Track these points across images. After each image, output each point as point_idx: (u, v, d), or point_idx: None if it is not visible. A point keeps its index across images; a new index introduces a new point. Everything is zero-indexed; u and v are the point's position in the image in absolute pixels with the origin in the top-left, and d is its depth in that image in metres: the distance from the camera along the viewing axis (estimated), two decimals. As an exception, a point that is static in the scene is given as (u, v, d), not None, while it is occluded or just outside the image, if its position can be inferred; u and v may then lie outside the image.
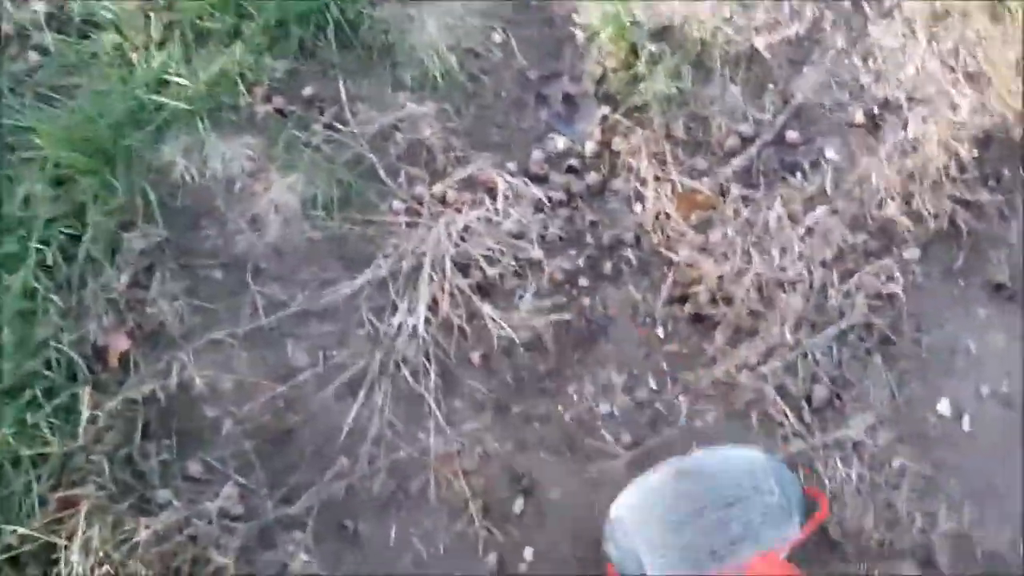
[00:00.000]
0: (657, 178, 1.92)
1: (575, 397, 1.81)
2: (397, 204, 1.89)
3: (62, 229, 1.82)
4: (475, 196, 1.91)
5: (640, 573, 1.55)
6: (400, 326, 1.82)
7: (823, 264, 1.85)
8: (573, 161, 1.96)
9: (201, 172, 1.90)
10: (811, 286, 1.84)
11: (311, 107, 1.96)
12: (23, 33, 2.03)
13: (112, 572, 1.56)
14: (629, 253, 1.90)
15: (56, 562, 1.59)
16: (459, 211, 1.90)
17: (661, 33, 1.97)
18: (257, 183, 1.89)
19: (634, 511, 1.62)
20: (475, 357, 1.82)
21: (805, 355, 1.79)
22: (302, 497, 1.72)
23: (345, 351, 1.81)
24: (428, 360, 1.80)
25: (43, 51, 2.00)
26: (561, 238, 1.91)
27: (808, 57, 2.01)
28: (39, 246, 1.79)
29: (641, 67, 1.93)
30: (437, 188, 1.92)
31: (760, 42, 1.97)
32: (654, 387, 1.82)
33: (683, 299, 1.86)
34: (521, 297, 1.85)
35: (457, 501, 1.76)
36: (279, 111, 1.93)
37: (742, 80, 1.98)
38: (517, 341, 1.81)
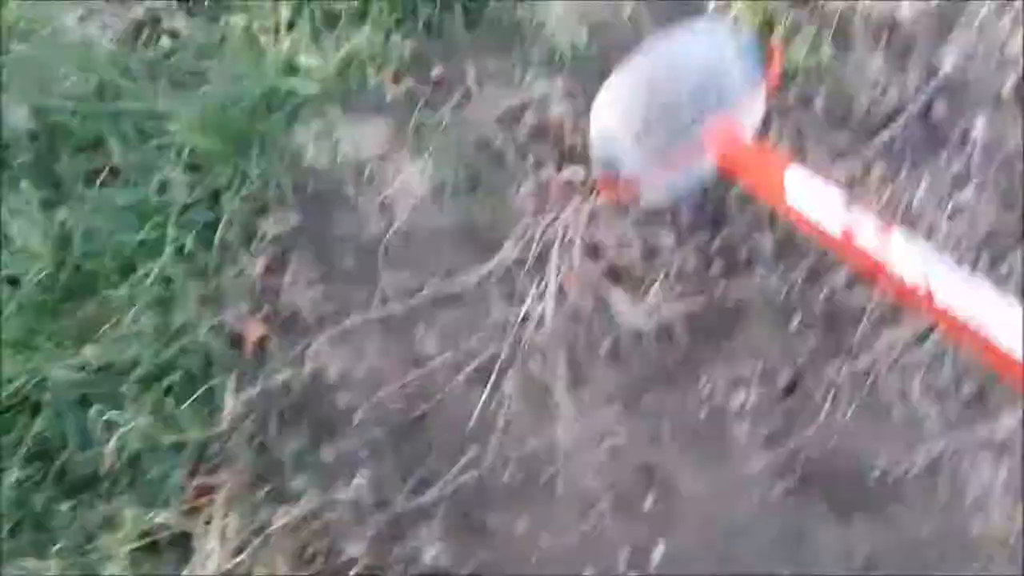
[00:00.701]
0: (795, 150, 1.76)
1: (707, 390, 1.71)
2: (525, 188, 1.78)
3: (198, 215, 1.74)
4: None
5: (614, 159, 1.56)
6: (528, 314, 1.70)
7: (974, 246, 1.67)
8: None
9: (332, 157, 1.84)
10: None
11: (439, 88, 1.88)
12: (155, 18, 1.95)
13: (247, 560, 1.49)
14: (765, 237, 1.73)
15: (193, 550, 1.53)
16: (589, 194, 1.76)
17: (800, 2, 1.79)
18: (387, 167, 1.81)
19: (609, 105, 1.60)
20: (604, 347, 1.72)
21: (954, 345, 1.62)
22: (432, 487, 1.66)
23: (474, 338, 1.74)
24: (557, 348, 1.67)
25: (173, 35, 1.93)
26: (694, 223, 1.74)
27: (953, 25, 1.81)
28: (175, 233, 1.70)
29: (781, 33, 1.76)
30: (566, 171, 1.78)
31: (904, 10, 1.78)
32: (791, 380, 1.67)
33: (821, 286, 1.69)
34: (652, 284, 1.70)
35: (587, 495, 1.68)
36: (408, 93, 1.83)
37: (884, 51, 1.81)
38: (647, 330, 1.68)
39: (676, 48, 1.61)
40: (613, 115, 1.60)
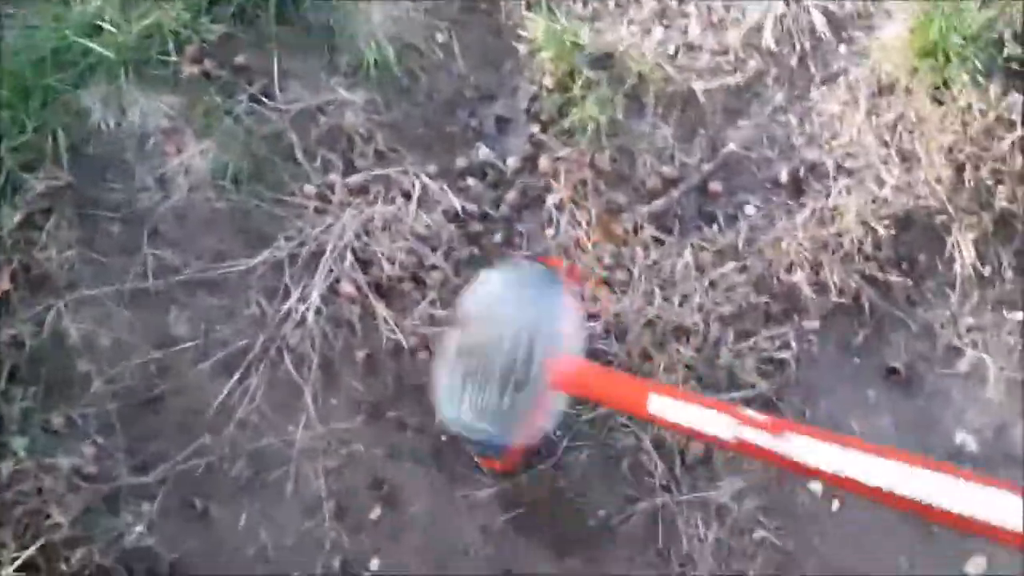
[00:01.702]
0: (575, 204, 1.91)
1: (452, 413, 1.80)
2: (308, 187, 1.89)
3: (-36, 158, 1.77)
4: (389, 192, 1.90)
5: (498, 442, 1.65)
6: (290, 312, 1.81)
7: (721, 319, 1.85)
8: (494, 175, 1.94)
9: (117, 123, 1.89)
10: (705, 339, 1.84)
11: (239, 76, 1.94)
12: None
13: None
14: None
15: None
16: (370, 205, 1.88)
17: (601, 60, 1.96)
18: (171, 143, 1.89)
19: (450, 400, 1.68)
20: (360, 356, 1.81)
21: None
22: (157, 468, 1.72)
23: (228, 328, 1.81)
24: (313, 351, 1.78)
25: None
26: (470, 253, 1.87)
27: (745, 109, 2.00)
28: (-64, 171, 1.75)
29: (576, 91, 1.92)
30: (352, 178, 1.90)
31: (699, 86, 1.97)
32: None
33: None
34: (417, 304, 1.83)
35: (313, 499, 1.77)
36: (206, 74, 1.91)
37: (675, 121, 1.98)
38: (405, 347, 1.80)
39: (491, 321, 1.70)
40: (464, 411, 1.67)
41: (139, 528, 1.65)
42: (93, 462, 1.71)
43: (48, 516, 1.64)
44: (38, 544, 1.59)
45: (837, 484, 1.12)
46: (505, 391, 1.62)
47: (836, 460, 1.12)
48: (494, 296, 1.72)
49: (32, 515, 1.64)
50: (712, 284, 1.85)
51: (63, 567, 1.60)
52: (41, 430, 1.71)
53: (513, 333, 1.63)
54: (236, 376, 1.78)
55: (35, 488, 1.66)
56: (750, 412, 1.22)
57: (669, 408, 1.34)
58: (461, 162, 1.94)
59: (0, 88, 1.81)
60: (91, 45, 1.87)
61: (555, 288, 1.68)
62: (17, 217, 1.76)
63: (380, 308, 1.81)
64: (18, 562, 1.55)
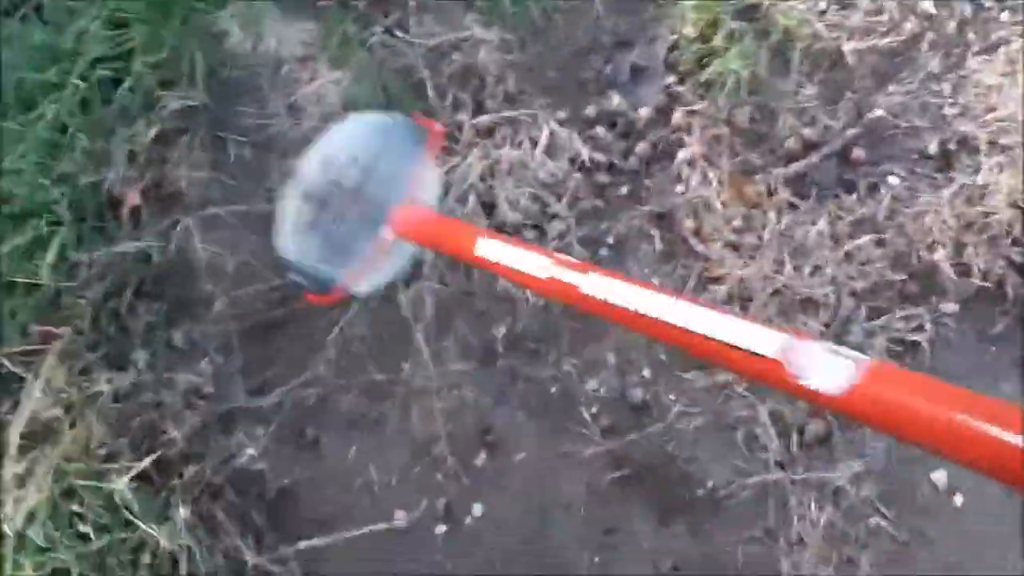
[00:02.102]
0: (708, 161, 1.86)
1: (565, 366, 1.79)
2: (438, 126, 1.87)
3: (105, 71, 1.82)
4: (516, 136, 1.88)
5: (324, 280, 1.60)
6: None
7: (853, 294, 1.79)
8: (625, 125, 1.90)
9: (254, 47, 1.90)
10: (836, 314, 1.78)
11: (376, 7, 1.94)
12: None
13: (62, 415, 1.59)
14: (658, 234, 1.85)
15: (19, 392, 1.62)
16: (497, 147, 1.86)
17: (747, 11, 1.89)
18: (304, 71, 1.89)
19: (285, 230, 1.64)
20: (477, 301, 1.80)
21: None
22: (273, 393, 1.74)
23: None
24: (429, 292, 1.78)
25: None
26: (594, 205, 1.85)
27: (896, 74, 1.92)
28: (79, 81, 1.80)
29: (718, 42, 1.87)
30: (481, 119, 1.89)
31: (849, 46, 1.89)
32: (647, 377, 1.79)
33: (701, 292, 1.81)
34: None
35: (421, 439, 1.77)
36: (343, 3, 1.91)
37: (820, 81, 1.90)
38: (521, 295, 1.79)
39: (335, 155, 1.67)
40: (298, 240, 1.65)
41: (251, 451, 1.68)
42: (211, 381, 1.73)
43: (164, 431, 1.66)
44: (153, 457, 1.61)
45: (626, 321, 1.09)
46: (345, 229, 1.60)
47: (628, 295, 1.10)
48: (355, 136, 1.68)
49: (149, 428, 1.68)
50: (847, 256, 1.78)
51: (175, 481, 1.62)
52: (163, 345, 1.74)
53: (365, 174, 1.60)
54: (354, 307, 1.74)
55: (154, 402, 1.69)
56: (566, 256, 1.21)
57: (493, 250, 1.32)
58: (591, 110, 1.90)
59: (142, 3, 1.79)
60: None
61: (418, 142, 1.63)
62: (152, 133, 1.78)
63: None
64: (133, 472, 1.58)
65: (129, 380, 1.66)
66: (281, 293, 1.78)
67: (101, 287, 1.70)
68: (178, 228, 1.78)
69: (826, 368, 0.91)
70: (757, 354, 0.96)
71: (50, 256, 1.68)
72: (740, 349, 0.97)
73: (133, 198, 1.76)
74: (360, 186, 1.60)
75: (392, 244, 1.56)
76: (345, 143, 1.68)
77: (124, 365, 1.71)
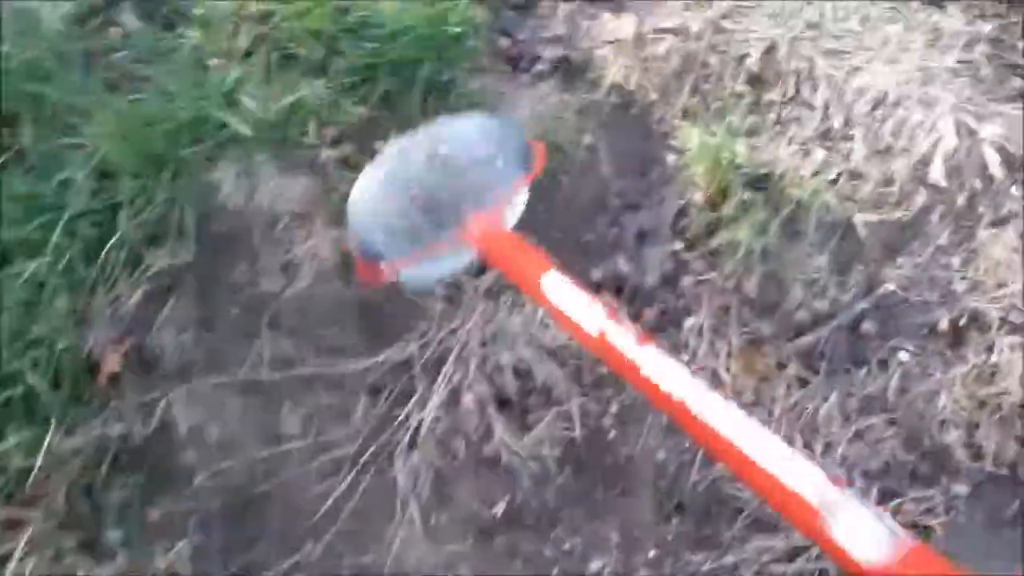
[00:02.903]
0: (715, 331, 1.84)
1: (567, 544, 1.74)
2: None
3: (90, 228, 1.76)
4: (519, 299, 1.83)
5: (374, 252, 1.62)
6: (408, 417, 1.76)
7: (865, 474, 1.76)
8: (631, 290, 1.88)
9: (247, 202, 1.85)
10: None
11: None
12: (112, 3, 1.99)
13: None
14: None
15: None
16: (499, 310, 1.83)
17: (758, 180, 1.89)
18: (300, 228, 1.84)
19: (363, 190, 1.70)
20: (476, 472, 1.74)
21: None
22: (255, 576, 1.65)
23: (341, 429, 1.77)
24: (425, 462, 1.73)
25: (124, 33, 1.96)
26: (598, 371, 1.81)
27: (906, 246, 1.92)
28: (60, 239, 1.73)
29: (728, 211, 1.86)
30: (483, 279, 1.85)
31: (860, 218, 1.89)
32: (653, 557, 1.74)
33: (707, 473, 1.77)
34: (539, 422, 1.76)
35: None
36: (344, 160, 1.87)
37: (831, 252, 1.90)
38: (523, 468, 1.74)
39: (436, 142, 1.71)
40: (370, 207, 1.69)
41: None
42: (189, 563, 1.62)
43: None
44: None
45: (669, 408, 1.11)
46: (417, 218, 1.62)
47: (686, 389, 1.10)
48: (465, 131, 1.74)
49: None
50: (858, 434, 1.75)
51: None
52: (138, 523, 1.63)
53: (459, 169, 1.65)
54: (344, 481, 1.71)
55: (128, 586, 1.58)
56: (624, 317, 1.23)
57: (556, 286, 1.35)
58: (597, 273, 1.89)
59: (133, 156, 1.74)
60: (229, 119, 1.80)
61: (521, 160, 1.67)
62: (137, 296, 1.71)
63: (499, 423, 1.72)
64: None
65: (111, 570, 1.54)
66: (264, 464, 1.68)
67: (76, 464, 1.60)
68: (160, 404, 1.66)
69: (866, 533, 0.89)
70: (800, 497, 0.93)
71: (20, 435, 1.57)
72: (782, 485, 0.95)
73: (113, 364, 1.71)
74: (451, 178, 1.64)
75: (457, 246, 1.56)
76: (455, 133, 1.73)
77: (98, 550, 1.59)
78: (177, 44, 1.95)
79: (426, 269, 1.62)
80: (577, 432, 1.79)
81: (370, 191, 1.70)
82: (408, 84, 1.94)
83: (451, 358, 1.80)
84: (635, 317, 1.88)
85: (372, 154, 1.88)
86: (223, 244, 1.84)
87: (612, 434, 1.83)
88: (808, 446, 1.78)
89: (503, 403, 1.80)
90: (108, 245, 1.77)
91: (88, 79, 1.89)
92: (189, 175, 1.84)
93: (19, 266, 1.73)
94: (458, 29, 1.93)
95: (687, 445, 1.78)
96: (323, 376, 1.79)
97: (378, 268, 1.61)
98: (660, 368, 1.14)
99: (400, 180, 1.67)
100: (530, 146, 1.68)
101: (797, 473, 0.95)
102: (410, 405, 1.77)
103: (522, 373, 1.81)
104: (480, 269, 1.83)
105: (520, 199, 1.62)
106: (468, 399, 1.78)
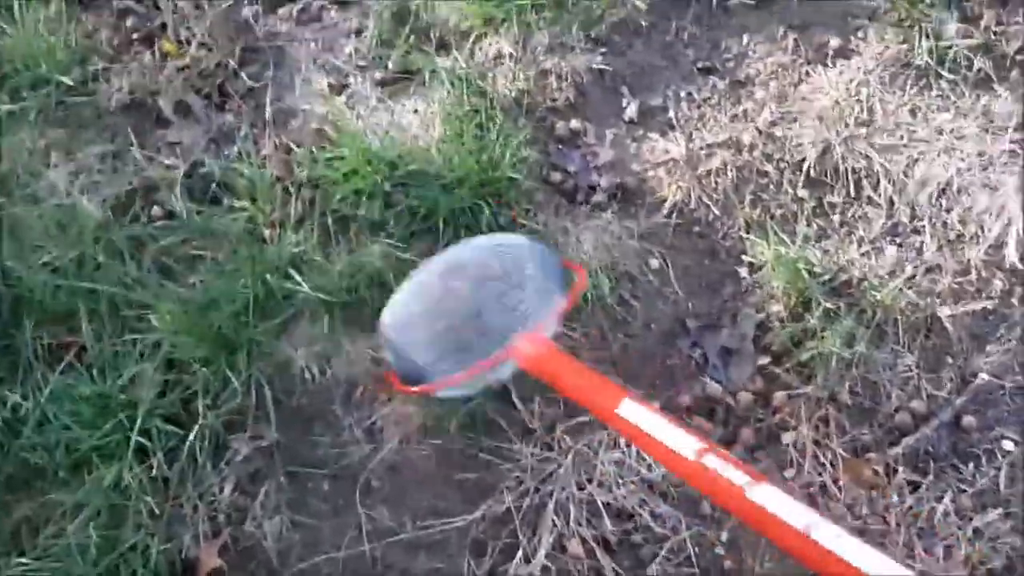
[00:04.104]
0: (817, 444, 1.85)
1: None
2: (526, 434, 1.85)
3: (166, 420, 1.76)
4: (612, 434, 1.85)
5: (416, 371, 1.64)
6: (515, 573, 1.74)
7: (990, 573, 1.76)
8: (723, 411, 1.90)
9: (322, 371, 1.87)
10: (977, 599, 1.76)
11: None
12: (151, 187, 2.02)
13: None
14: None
15: None
16: (593, 449, 1.84)
17: (838, 288, 1.93)
18: (381, 391, 1.85)
19: (402, 309, 1.73)
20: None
21: None
22: None
23: (451, 595, 1.75)
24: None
25: (169, 214, 1.98)
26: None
27: (992, 333, 1.96)
28: (139, 438, 1.73)
29: (813, 322, 1.89)
30: (573, 421, 1.86)
31: (944, 312, 1.93)
32: None
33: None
34: (653, 558, 1.76)
35: None
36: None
37: (919, 349, 1.94)
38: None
39: (472, 261, 1.78)
40: (408, 327, 1.72)
41: None
42: None
43: None
44: None
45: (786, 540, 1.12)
46: (457, 333, 1.66)
47: (792, 510, 1.13)
48: (503, 248, 1.78)
49: None
50: (977, 532, 1.76)
51: None
52: None
53: (501, 289, 1.68)
54: None
55: None
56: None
57: (639, 415, 1.36)
58: (685, 398, 1.91)
59: (201, 343, 1.75)
60: (295, 286, 1.84)
61: (562, 282, 1.72)
62: (228, 488, 1.71)
63: (608, 566, 1.71)
64: None
65: None
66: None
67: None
68: None
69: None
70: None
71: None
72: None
73: (211, 560, 1.68)
74: (491, 298, 1.66)
75: (500, 364, 1.60)
76: (490, 252, 1.77)
77: None
78: (227, 219, 1.95)
79: (465, 387, 1.69)
80: (695, 566, 1.75)
81: (408, 310, 1.74)
82: (469, 231, 1.95)
83: (550, 505, 1.78)
84: (732, 438, 1.90)
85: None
86: (304, 418, 1.87)
87: (727, 563, 1.79)
88: (929, 551, 1.78)
89: (609, 544, 1.77)
90: (189, 439, 1.74)
91: (140, 267, 1.88)
92: (261, 353, 1.85)
93: (99, 473, 1.71)
94: (512, 173, 1.95)
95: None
96: (424, 540, 1.79)
97: (415, 386, 1.65)
98: (765, 493, 1.16)
99: (439, 299, 1.72)
100: (567, 267, 1.75)
101: None
102: (517, 559, 1.75)
103: (625, 512, 1.78)
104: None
105: (555, 318, 1.68)
106: (574, 545, 1.76)
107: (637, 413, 1.40)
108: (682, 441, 1.33)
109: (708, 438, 1.26)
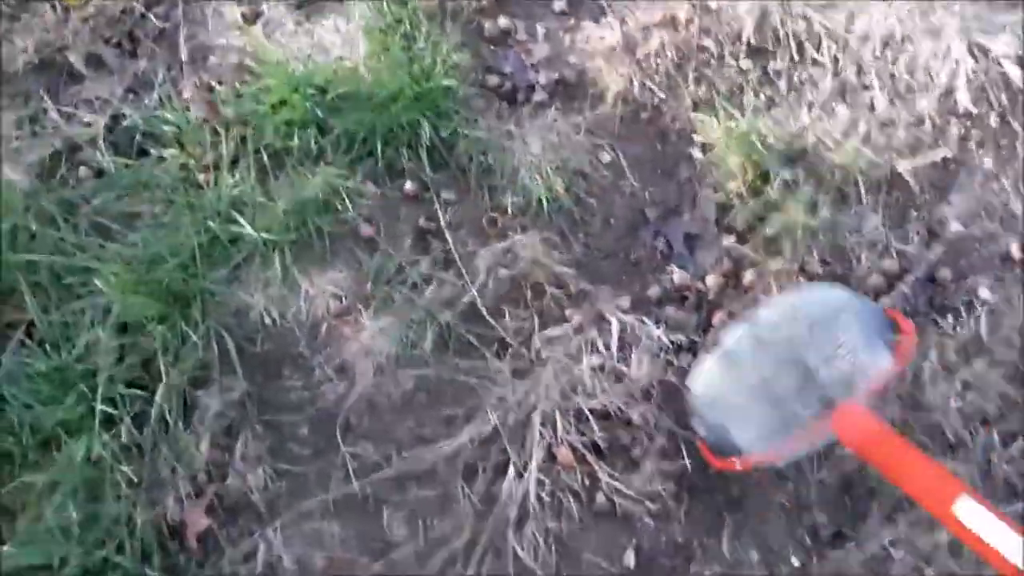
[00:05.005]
0: (794, 319, 1.84)
1: (708, 574, 1.72)
2: (501, 349, 1.81)
3: (129, 385, 1.70)
4: (586, 337, 1.82)
5: (731, 447, 1.60)
6: (510, 492, 1.72)
7: (984, 422, 1.77)
8: (695, 298, 1.88)
9: (283, 313, 1.82)
10: (971, 449, 1.76)
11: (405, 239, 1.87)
12: (73, 146, 1.93)
13: None
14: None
15: None
16: (569, 356, 1.81)
17: (794, 156, 1.89)
18: (346, 326, 1.80)
19: (714, 379, 1.68)
20: (594, 527, 1.74)
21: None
22: None
23: (448, 521, 1.77)
24: (544, 533, 1.70)
25: (98, 172, 1.90)
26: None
27: (954, 181, 1.94)
28: (104, 407, 1.67)
29: (773, 194, 1.86)
30: (545, 331, 1.83)
31: (903, 165, 1.90)
32: (797, 565, 1.73)
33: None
34: (644, 458, 1.75)
35: None
36: (369, 241, 1.84)
37: (883, 207, 1.92)
38: (640, 511, 1.72)
39: (785, 322, 1.67)
40: (722, 399, 1.67)
41: None
42: None
43: None
44: None
45: None
46: (776, 404, 1.60)
47: None
48: (828, 309, 1.67)
49: None
50: (966, 385, 1.75)
51: None
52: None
53: (825, 354, 1.59)
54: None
55: None
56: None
57: (976, 516, 1.29)
58: (655, 290, 1.89)
59: (152, 301, 1.69)
60: (240, 229, 1.78)
61: (888, 340, 1.63)
62: (204, 445, 1.66)
63: (603, 471, 1.70)
64: None
65: None
66: (383, 578, 1.65)
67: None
68: (259, 543, 1.62)
69: None
70: None
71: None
72: None
73: (199, 521, 1.65)
74: (813, 363, 1.58)
75: (820, 435, 1.54)
76: (810, 311, 1.65)
77: None
78: (158, 169, 1.87)
79: (784, 457, 1.63)
80: (686, 460, 1.73)
81: (720, 380, 1.67)
82: (410, 148, 1.89)
83: (535, 417, 1.75)
84: (706, 324, 1.86)
85: (395, 234, 1.83)
86: (273, 364, 1.82)
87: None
88: (922, 409, 1.77)
89: (601, 449, 1.75)
90: (156, 401, 1.68)
91: (76, 232, 1.80)
92: (216, 303, 1.80)
93: (68, 448, 1.65)
94: (447, 82, 1.88)
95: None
96: (413, 471, 1.77)
97: (725, 459, 1.62)
98: None
99: (753, 372, 1.64)
100: (894, 320, 1.66)
101: None
102: (509, 476, 1.72)
103: (613, 414, 1.76)
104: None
105: (887, 381, 1.61)
106: (565, 453, 1.74)
107: (974, 513, 1.32)
108: (1014, 546, 1.26)
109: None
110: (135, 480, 1.70)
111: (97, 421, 1.71)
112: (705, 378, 1.70)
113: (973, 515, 1.31)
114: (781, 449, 1.60)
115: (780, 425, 1.58)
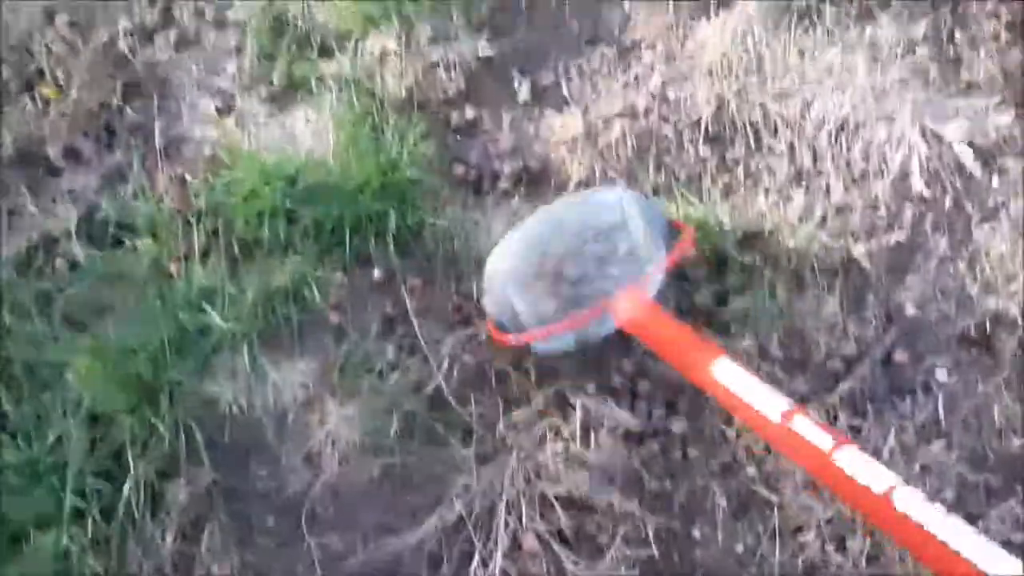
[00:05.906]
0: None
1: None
2: (466, 435, 1.82)
3: (97, 478, 1.72)
4: (552, 423, 1.82)
5: (515, 321, 1.74)
6: (476, 578, 1.73)
7: (944, 503, 1.77)
8: (657, 377, 1.89)
9: (250, 403, 1.83)
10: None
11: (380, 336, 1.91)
12: (51, 239, 1.95)
13: None
14: (720, 492, 1.81)
15: None
16: (535, 443, 1.82)
17: (751, 241, 1.91)
18: (312, 414, 1.81)
19: (503, 259, 1.81)
20: (560, 621, 1.73)
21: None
22: None
23: (415, 610, 1.72)
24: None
25: (72, 264, 1.92)
26: (650, 476, 1.80)
27: (909, 264, 1.96)
28: (74, 499, 1.68)
29: (733, 280, 1.87)
30: (511, 415, 1.84)
31: (859, 249, 1.92)
32: None
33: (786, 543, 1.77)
34: (609, 544, 1.75)
35: None
36: (336, 328, 1.87)
37: (840, 291, 1.93)
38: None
39: (575, 214, 1.80)
40: (506, 277, 1.77)
41: None
42: None
43: None
44: None
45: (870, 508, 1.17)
46: (555, 288, 1.71)
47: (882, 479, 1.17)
48: (612, 202, 1.80)
49: None
50: (924, 468, 1.76)
51: None
52: None
53: (607, 241, 1.72)
54: None
55: None
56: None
57: (732, 376, 1.41)
58: (619, 378, 1.85)
59: (122, 394, 1.71)
60: (208, 321, 1.78)
61: (666, 237, 1.76)
62: (170, 537, 1.66)
63: (567, 559, 1.70)
64: None
65: None
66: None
67: None
68: None
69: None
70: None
71: None
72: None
73: (165, 615, 1.63)
74: (597, 250, 1.71)
75: (598, 319, 1.66)
76: (597, 204, 1.79)
77: None
78: (130, 259, 1.89)
79: (561, 341, 1.73)
80: (653, 548, 1.74)
81: (508, 261, 1.78)
82: (378, 237, 1.91)
83: (501, 505, 1.76)
84: (671, 412, 1.87)
85: (362, 321, 1.85)
86: (240, 454, 1.83)
87: (696, 534, 1.78)
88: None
89: (566, 536, 1.76)
90: (124, 493, 1.69)
91: (50, 324, 1.82)
92: (184, 394, 1.81)
93: (37, 543, 1.66)
94: (412, 172, 1.91)
95: (760, 529, 1.77)
96: (378, 560, 1.77)
97: (510, 335, 1.72)
98: (853, 459, 1.16)
99: (541, 251, 1.75)
100: (674, 224, 1.79)
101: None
102: (474, 564, 1.72)
103: (578, 501, 1.76)
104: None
105: (659, 275, 1.73)
106: (530, 541, 1.74)
107: (730, 372, 1.44)
108: (771, 402, 1.36)
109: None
110: (103, 574, 1.68)
111: (66, 514, 1.71)
112: (501, 252, 1.80)
113: (731, 376, 1.43)
114: (560, 326, 1.69)
115: (562, 305, 1.69)
